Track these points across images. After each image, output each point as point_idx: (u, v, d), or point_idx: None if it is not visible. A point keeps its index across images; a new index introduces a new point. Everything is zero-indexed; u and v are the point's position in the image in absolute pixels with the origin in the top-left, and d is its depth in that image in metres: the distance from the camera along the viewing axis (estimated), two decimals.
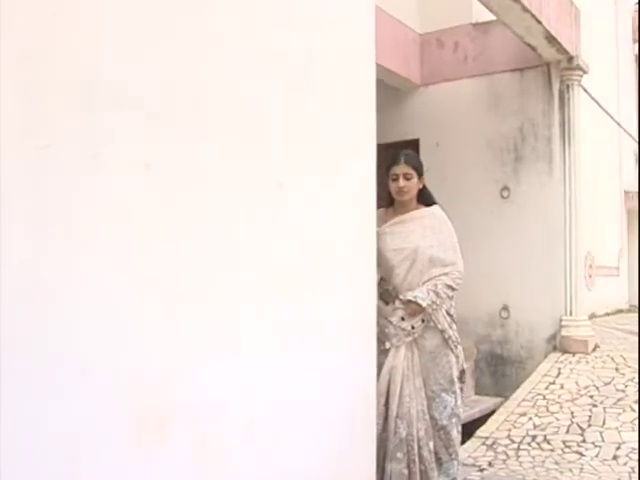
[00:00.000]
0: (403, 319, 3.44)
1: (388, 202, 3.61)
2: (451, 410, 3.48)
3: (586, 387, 5.34)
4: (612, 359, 5.89)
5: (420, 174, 3.53)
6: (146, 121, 1.92)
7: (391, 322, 3.42)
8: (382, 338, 3.36)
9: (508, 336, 6.64)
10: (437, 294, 3.41)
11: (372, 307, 3.10)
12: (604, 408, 4.89)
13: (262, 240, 2.34)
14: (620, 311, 10.83)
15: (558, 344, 6.33)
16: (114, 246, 1.82)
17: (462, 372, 3.61)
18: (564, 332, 6.29)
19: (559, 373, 5.76)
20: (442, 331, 3.45)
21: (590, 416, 4.81)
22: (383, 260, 3.43)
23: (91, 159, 1.76)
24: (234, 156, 2.21)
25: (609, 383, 5.34)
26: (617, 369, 5.63)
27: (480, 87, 6.79)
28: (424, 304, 3.36)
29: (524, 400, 5.32)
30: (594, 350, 6.25)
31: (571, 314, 6.33)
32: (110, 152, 1.81)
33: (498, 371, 6.67)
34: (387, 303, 3.47)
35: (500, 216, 6.67)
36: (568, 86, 6.35)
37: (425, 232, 3.49)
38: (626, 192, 11.36)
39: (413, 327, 3.43)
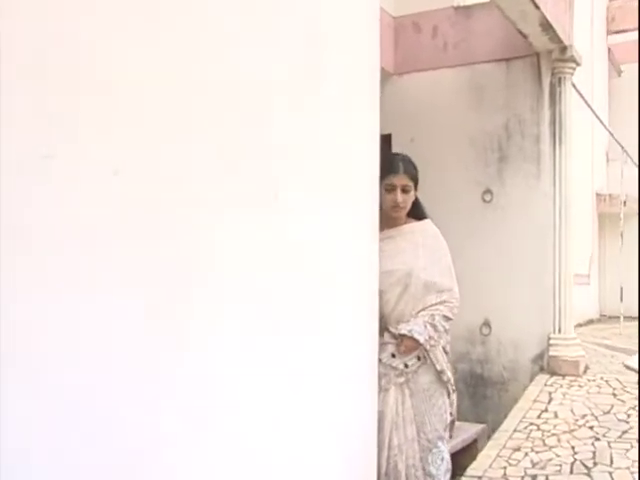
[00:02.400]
0: (394, 356, 3.00)
1: None
2: (447, 464, 3.08)
3: (584, 416, 5.01)
4: (607, 383, 5.60)
5: (417, 185, 3.10)
6: (116, 116, 1.48)
7: (379, 360, 2.96)
8: None
9: (489, 355, 6.30)
10: (435, 327, 2.98)
11: (374, 342, 2.73)
12: (608, 442, 4.56)
13: (251, 266, 1.96)
14: (591, 321, 10.73)
15: (545, 365, 6.02)
16: (71, 279, 1.35)
17: (452, 422, 3.21)
18: (552, 351, 5.98)
19: (550, 399, 5.43)
20: (440, 372, 3.03)
21: (594, 452, 4.47)
22: None
23: (41, 160, 1.26)
24: (220, 161, 1.84)
25: (609, 412, 5.03)
26: (615, 395, 5.33)
27: (461, 78, 6.42)
28: (421, 339, 2.93)
29: (516, 431, 4.96)
30: (585, 372, 5.96)
31: (560, 331, 6.03)
32: (68, 153, 1.32)
33: (478, 393, 6.33)
34: None
35: (482, 222, 6.31)
36: (560, 79, 6.02)
37: (418, 251, 3.06)
38: (598, 195, 11.24)
39: (407, 365, 2.99)
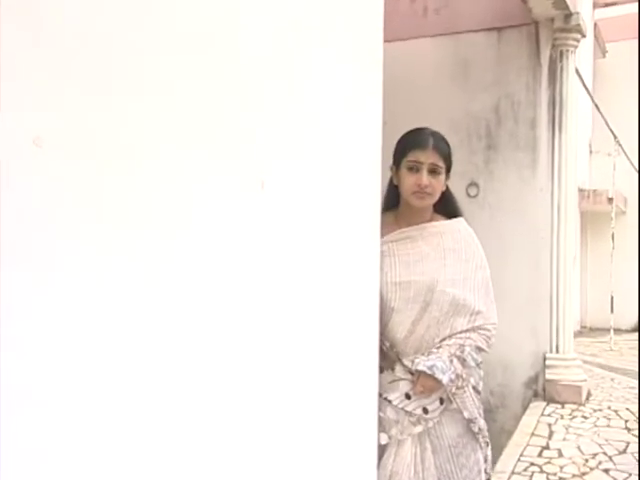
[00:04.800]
0: (409, 397, 2.51)
1: (386, 204, 2.64)
2: None
3: (594, 456, 4.63)
4: (617, 414, 5.27)
5: (449, 169, 2.61)
6: (43, 67, 1.14)
7: (389, 401, 2.50)
8: None
9: None
10: (464, 362, 2.48)
11: (373, 373, 2.33)
12: None
13: (229, 271, 1.67)
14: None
15: (541, 390, 5.71)
16: None
17: None
18: (549, 374, 5.67)
19: (551, 432, 5.06)
20: (469, 421, 2.56)
21: None
22: None
23: None
24: (192, 138, 1.53)
25: (624, 450, 4.67)
26: (629, 429, 4.99)
27: (443, 50, 6.07)
28: (445, 380, 2.44)
29: (514, 473, 4.55)
30: (587, 399, 5.62)
31: (557, 350, 5.71)
32: None
33: None
34: (381, 370, 2.51)
35: (465, 220, 5.93)
36: (561, 53, 5.71)
37: (445, 259, 2.56)
38: (580, 190, 11.02)
39: (426, 411, 2.51)
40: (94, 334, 1.24)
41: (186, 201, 1.45)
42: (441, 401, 2.51)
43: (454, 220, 2.64)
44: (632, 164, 10.04)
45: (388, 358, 2.52)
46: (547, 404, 5.56)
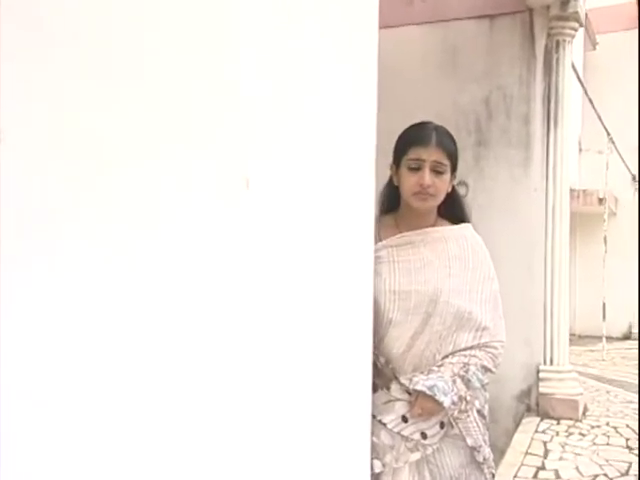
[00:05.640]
0: (406, 420, 2.33)
1: (385, 206, 2.51)
2: None
3: (595, 477, 4.48)
4: (616, 431, 5.14)
5: (454, 168, 2.43)
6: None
7: (384, 424, 2.33)
8: None
9: None
10: (468, 383, 2.32)
11: (367, 392, 2.22)
12: None
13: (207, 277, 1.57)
14: None
15: (534, 404, 5.58)
16: None
17: None
18: (543, 388, 5.56)
19: (546, 451, 4.91)
20: (473, 449, 2.38)
21: None
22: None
23: None
24: (169, 132, 1.43)
25: (627, 473, 4.52)
26: (630, 448, 4.86)
27: (431, 39, 5.95)
28: (446, 402, 2.26)
29: None
30: (584, 414, 5.48)
31: (552, 362, 5.58)
32: None
33: None
34: (375, 389, 2.34)
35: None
36: (557, 43, 5.62)
37: (450, 267, 2.39)
38: (570, 190, 10.93)
39: (425, 435, 2.33)
40: (85, 335, 1.17)
41: (158, 201, 1.34)
42: (442, 425, 2.33)
43: (460, 226, 2.46)
44: (624, 163, 9.95)
45: (383, 376, 2.35)
46: (541, 420, 5.44)
